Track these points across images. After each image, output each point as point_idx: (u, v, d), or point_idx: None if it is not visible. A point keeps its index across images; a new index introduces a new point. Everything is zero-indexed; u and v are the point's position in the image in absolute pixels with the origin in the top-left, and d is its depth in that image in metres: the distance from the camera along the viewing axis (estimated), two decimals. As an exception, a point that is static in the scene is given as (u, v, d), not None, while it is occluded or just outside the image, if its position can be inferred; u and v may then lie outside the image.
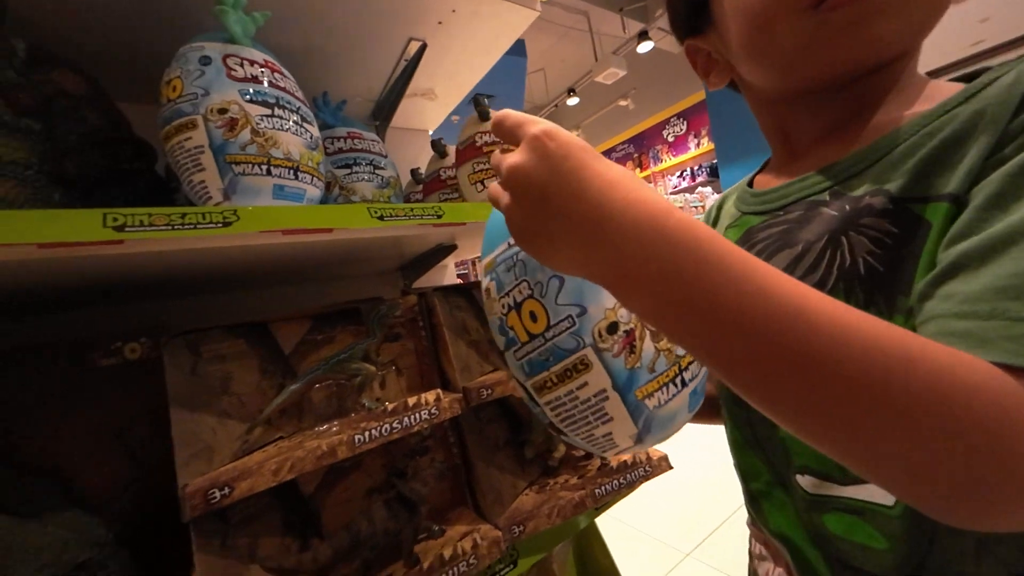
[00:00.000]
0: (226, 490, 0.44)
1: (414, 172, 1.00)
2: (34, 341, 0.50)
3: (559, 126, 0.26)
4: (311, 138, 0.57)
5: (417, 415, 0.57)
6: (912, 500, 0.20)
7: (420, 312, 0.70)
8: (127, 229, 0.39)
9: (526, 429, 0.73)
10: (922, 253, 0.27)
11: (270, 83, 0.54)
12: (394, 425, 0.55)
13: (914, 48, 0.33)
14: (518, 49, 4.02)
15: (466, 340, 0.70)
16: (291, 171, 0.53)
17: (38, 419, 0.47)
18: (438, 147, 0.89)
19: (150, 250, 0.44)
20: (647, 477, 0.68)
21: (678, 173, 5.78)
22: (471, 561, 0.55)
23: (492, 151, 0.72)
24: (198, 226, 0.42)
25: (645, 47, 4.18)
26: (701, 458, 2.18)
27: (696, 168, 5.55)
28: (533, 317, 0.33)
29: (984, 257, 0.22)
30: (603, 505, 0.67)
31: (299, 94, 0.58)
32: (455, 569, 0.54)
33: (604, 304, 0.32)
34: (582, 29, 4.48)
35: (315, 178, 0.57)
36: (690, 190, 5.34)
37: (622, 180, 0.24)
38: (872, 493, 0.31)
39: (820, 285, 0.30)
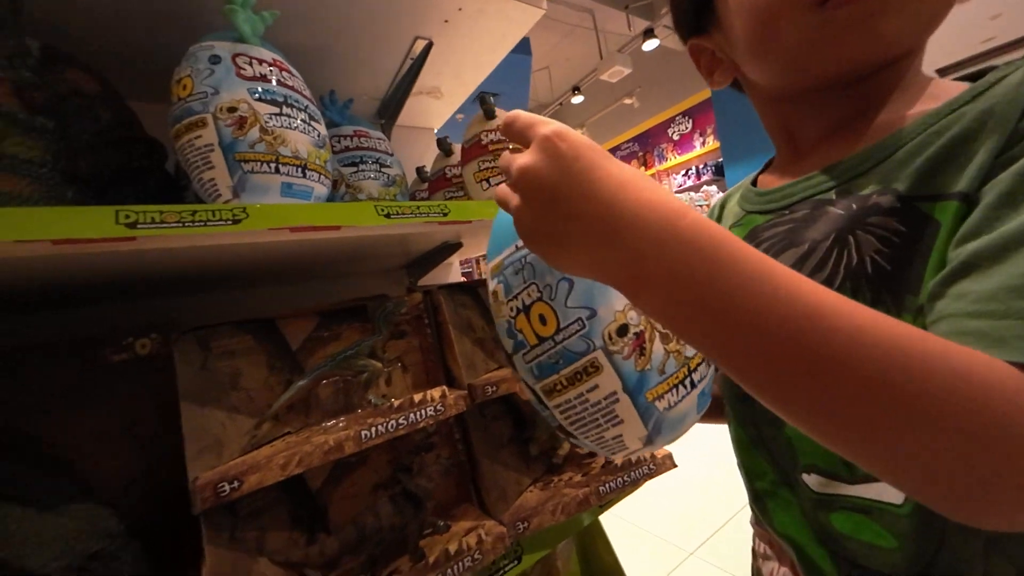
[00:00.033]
0: (235, 483, 0.45)
1: (419, 170, 1.00)
2: (47, 337, 0.51)
3: (569, 127, 0.26)
4: (319, 136, 0.57)
5: (423, 411, 0.57)
6: (928, 499, 0.20)
7: (425, 310, 0.71)
8: (139, 226, 0.40)
9: (531, 426, 0.73)
10: (931, 252, 0.27)
11: (278, 82, 0.54)
12: (400, 421, 0.55)
13: (919, 46, 0.33)
14: (523, 47, 4.02)
15: (471, 338, 0.70)
16: (299, 169, 0.54)
17: (52, 413, 0.48)
18: (443, 145, 0.89)
19: (161, 247, 0.44)
20: (651, 475, 0.68)
21: (683, 171, 5.75)
22: (476, 556, 0.55)
23: (498, 149, 0.73)
24: (208, 223, 0.43)
25: (650, 45, 4.15)
26: (705, 457, 2.17)
27: (701, 166, 5.51)
28: (542, 320, 0.32)
29: (996, 256, 0.22)
30: (607, 503, 0.67)
31: (307, 93, 0.59)
32: (460, 564, 0.54)
33: (614, 306, 0.32)
34: (587, 27, 4.46)
35: (322, 176, 0.57)
36: (695, 188, 5.31)
37: (634, 180, 0.24)
38: (880, 492, 0.30)
39: (827, 284, 0.30)
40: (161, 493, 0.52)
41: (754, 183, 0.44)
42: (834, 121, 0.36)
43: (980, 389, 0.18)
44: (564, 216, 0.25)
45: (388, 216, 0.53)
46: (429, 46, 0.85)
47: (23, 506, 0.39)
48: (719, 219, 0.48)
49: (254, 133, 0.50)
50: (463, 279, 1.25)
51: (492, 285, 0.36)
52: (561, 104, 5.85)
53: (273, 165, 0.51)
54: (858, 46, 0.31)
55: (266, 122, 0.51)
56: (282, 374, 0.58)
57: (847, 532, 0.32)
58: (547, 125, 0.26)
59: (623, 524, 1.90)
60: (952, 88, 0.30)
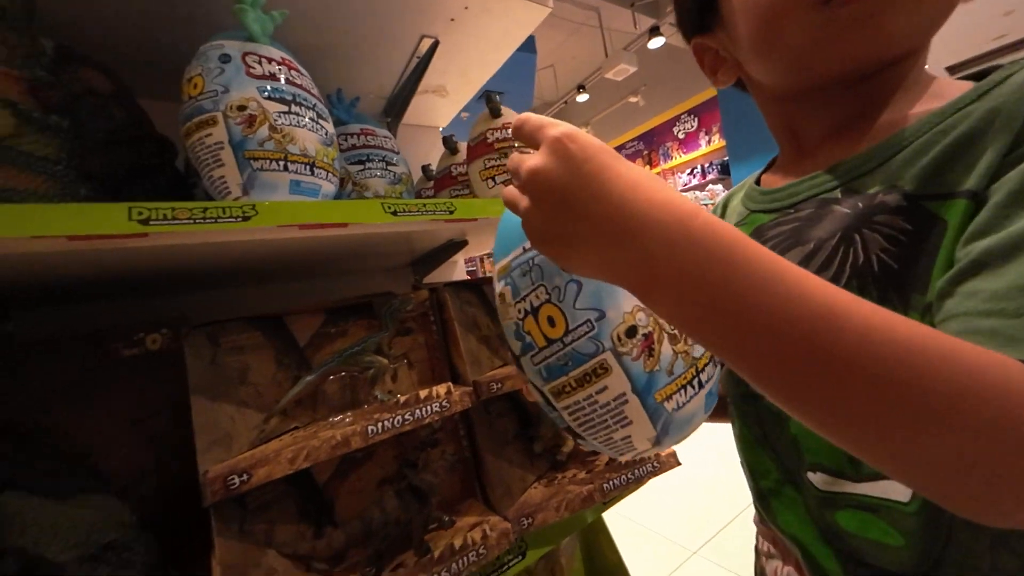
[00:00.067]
0: (245, 476, 0.46)
1: (425, 168, 1.01)
2: (61, 332, 0.52)
3: (579, 129, 0.27)
4: (326, 134, 0.58)
5: (428, 407, 0.58)
6: (941, 498, 0.20)
7: (431, 307, 0.71)
8: (151, 223, 0.40)
9: (535, 424, 0.74)
10: (939, 250, 0.27)
11: (287, 80, 0.55)
12: (406, 417, 0.56)
13: (923, 45, 0.33)
14: (528, 45, 4.01)
15: (476, 335, 0.71)
16: (307, 167, 0.54)
17: (67, 407, 0.49)
18: (449, 143, 0.89)
19: (172, 243, 0.45)
20: (655, 473, 0.68)
21: (688, 170, 5.72)
22: (480, 551, 0.56)
23: (503, 147, 0.73)
24: (219, 220, 0.43)
25: (656, 43, 4.13)
26: (709, 456, 2.17)
27: (707, 165, 5.48)
28: (551, 322, 0.33)
29: (1007, 255, 0.22)
30: (611, 500, 0.67)
31: (315, 91, 0.59)
32: (465, 559, 0.55)
33: (622, 308, 0.32)
34: (592, 25, 4.45)
35: (330, 174, 0.58)
36: (700, 187, 5.28)
37: (646, 181, 0.24)
38: (886, 490, 0.30)
39: (832, 282, 0.31)
40: (171, 486, 0.53)
41: (757, 182, 0.45)
42: (838, 120, 0.36)
43: (994, 388, 0.18)
44: (575, 217, 0.25)
45: (395, 214, 0.54)
46: (435, 45, 0.85)
47: (41, 497, 0.40)
48: (722, 218, 0.48)
49: (263, 131, 0.51)
50: (467, 277, 1.25)
51: (499, 287, 0.36)
52: (566, 102, 5.83)
53: (282, 163, 0.52)
54: (862, 44, 0.31)
55: (275, 120, 0.52)
56: (290, 369, 0.59)
57: (853, 530, 0.32)
58: (556, 127, 0.26)
59: (627, 523, 1.90)
60: (955, 87, 0.30)
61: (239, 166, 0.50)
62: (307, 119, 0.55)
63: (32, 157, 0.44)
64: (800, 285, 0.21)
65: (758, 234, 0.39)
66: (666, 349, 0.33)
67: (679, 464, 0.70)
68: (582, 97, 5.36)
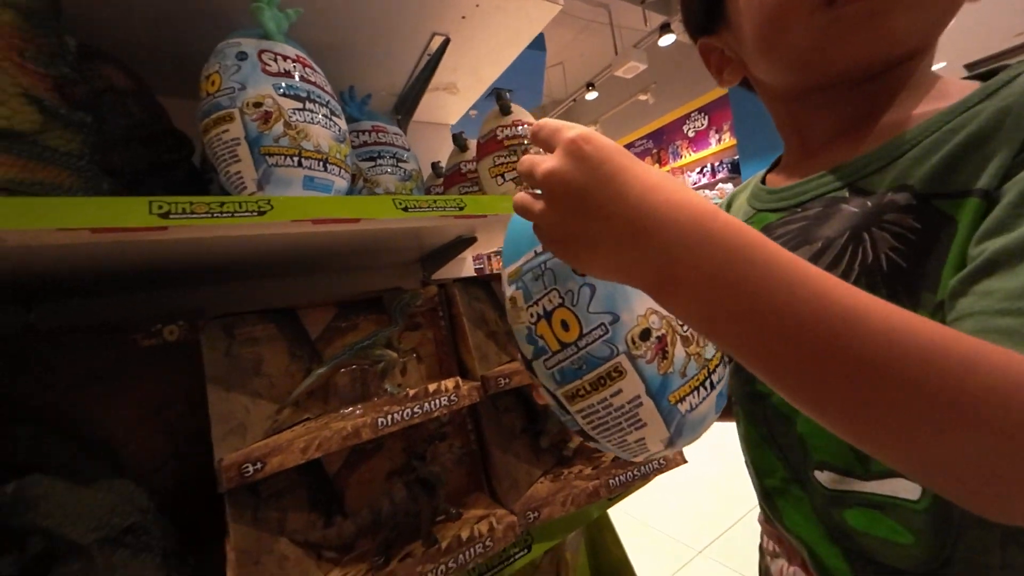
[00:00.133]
0: (259, 465, 0.47)
1: (435, 165, 1.01)
2: (83, 322, 0.53)
3: (595, 131, 0.27)
4: (339, 131, 0.59)
5: (437, 401, 0.59)
6: (964, 499, 0.20)
7: (440, 302, 0.72)
8: (171, 216, 0.41)
9: (542, 419, 0.74)
10: (950, 249, 0.27)
11: (302, 78, 0.56)
12: (415, 410, 0.57)
13: (928, 45, 0.33)
14: (537, 43, 4.00)
15: (484, 331, 0.71)
16: (320, 163, 0.55)
17: (88, 395, 0.51)
18: (459, 141, 0.90)
19: (191, 236, 0.46)
20: (661, 470, 0.68)
21: (698, 169, 5.67)
22: (487, 543, 0.57)
23: (513, 144, 0.73)
24: (235, 214, 0.45)
25: (667, 40, 4.10)
26: (715, 455, 2.16)
27: (717, 164, 5.43)
28: (565, 326, 0.33)
29: (1022, 253, 0.22)
30: (616, 496, 0.68)
31: (328, 88, 0.60)
32: (471, 550, 0.55)
33: (636, 311, 0.32)
34: (602, 22, 4.42)
35: (342, 170, 0.58)
36: (710, 186, 5.23)
37: (663, 182, 0.24)
38: (896, 488, 0.30)
39: None
40: (186, 473, 0.54)
41: (763, 181, 0.44)
42: (844, 120, 0.36)
43: (1016, 389, 0.18)
44: (592, 218, 0.25)
45: (406, 209, 0.55)
46: (446, 42, 0.86)
47: (64, 481, 0.41)
48: None
49: (278, 128, 0.52)
50: (475, 274, 1.26)
51: (510, 291, 0.36)
52: (575, 100, 5.81)
53: (296, 159, 0.53)
54: (866, 44, 0.31)
55: (290, 117, 0.53)
56: (302, 362, 0.60)
57: (862, 528, 0.32)
58: (572, 129, 0.26)
59: (632, 521, 1.90)
60: (961, 87, 0.30)
61: (255, 162, 0.51)
62: (320, 116, 0.56)
63: (57, 152, 0.45)
64: (821, 285, 0.21)
65: (765, 233, 0.39)
66: (679, 351, 0.33)
67: (685, 462, 0.70)
68: (591, 95, 5.33)
